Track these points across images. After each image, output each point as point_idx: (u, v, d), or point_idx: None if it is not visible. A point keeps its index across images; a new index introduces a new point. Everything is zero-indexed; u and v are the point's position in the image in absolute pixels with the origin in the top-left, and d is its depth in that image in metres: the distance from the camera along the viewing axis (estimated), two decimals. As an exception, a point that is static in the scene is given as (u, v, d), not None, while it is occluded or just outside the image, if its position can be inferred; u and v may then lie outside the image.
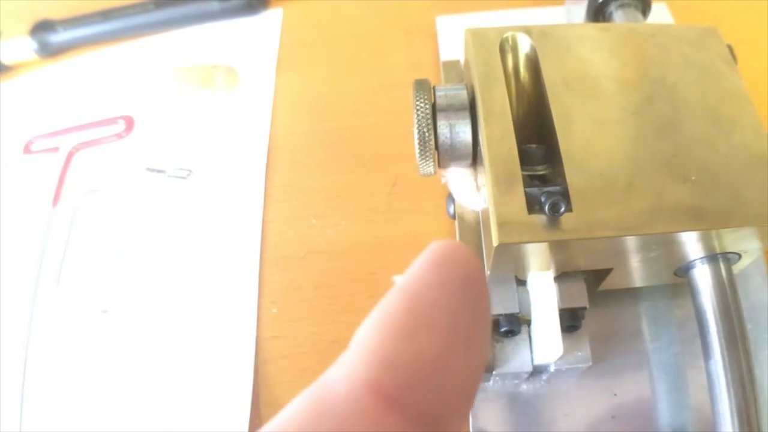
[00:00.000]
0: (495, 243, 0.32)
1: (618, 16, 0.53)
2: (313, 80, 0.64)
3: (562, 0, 0.63)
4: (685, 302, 0.43)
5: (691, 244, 0.35)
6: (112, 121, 0.63)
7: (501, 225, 0.32)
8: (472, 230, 0.41)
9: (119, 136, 0.62)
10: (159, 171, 0.59)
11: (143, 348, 0.50)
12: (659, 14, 0.62)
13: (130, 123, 0.63)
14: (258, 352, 0.48)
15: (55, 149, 0.62)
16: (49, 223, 0.57)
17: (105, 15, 0.69)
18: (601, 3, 0.53)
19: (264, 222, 0.54)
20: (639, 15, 0.53)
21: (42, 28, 0.69)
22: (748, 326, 0.39)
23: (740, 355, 0.35)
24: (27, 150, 0.63)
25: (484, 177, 0.34)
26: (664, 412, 0.42)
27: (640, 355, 0.43)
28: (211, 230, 0.55)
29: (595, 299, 0.41)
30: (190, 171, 0.58)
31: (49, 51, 0.70)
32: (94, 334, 0.51)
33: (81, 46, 0.70)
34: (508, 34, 0.40)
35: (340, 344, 0.45)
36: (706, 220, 0.33)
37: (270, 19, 0.70)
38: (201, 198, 0.57)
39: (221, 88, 0.64)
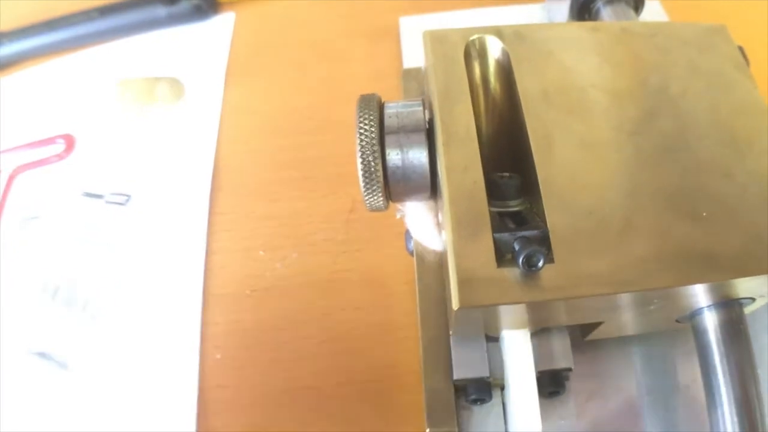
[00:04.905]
0: (455, 306, 0.27)
1: (606, 13, 0.50)
2: (265, 92, 0.62)
3: None
4: (685, 344, 0.40)
5: (699, 293, 0.31)
6: (51, 140, 0.61)
7: (463, 283, 0.27)
8: (433, 273, 0.37)
9: (59, 156, 0.60)
10: (97, 196, 0.57)
11: (79, 395, 0.47)
12: (652, 12, 0.59)
13: (70, 142, 0.61)
14: (200, 403, 0.45)
15: (-3, 172, 0.61)
16: (-10, 252, 0.55)
17: (50, 25, 0.68)
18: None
19: (207, 254, 0.51)
20: (631, 12, 0.50)
21: None
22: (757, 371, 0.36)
23: (752, 410, 0.31)
24: None
25: (444, 216, 0.29)
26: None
27: (633, 411, 0.40)
28: (150, 263, 0.52)
29: (583, 348, 0.39)
30: (128, 196, 0.56)
31: None
32: (28, 378, 0.48)
33: (27, 59, 0.69)
34: (475, 36, 0.36)
35: (289, 395, 0.44)
36: (720, 269, 0.29)
37: (220, 24, 0.68)
38: (140, 226, 0.54)
39: (164, 101, 0.62)
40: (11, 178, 0.59)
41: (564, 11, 0.52)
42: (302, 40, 0.65)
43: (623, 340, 0.42)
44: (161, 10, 0.66)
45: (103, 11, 0.67)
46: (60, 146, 0.60)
